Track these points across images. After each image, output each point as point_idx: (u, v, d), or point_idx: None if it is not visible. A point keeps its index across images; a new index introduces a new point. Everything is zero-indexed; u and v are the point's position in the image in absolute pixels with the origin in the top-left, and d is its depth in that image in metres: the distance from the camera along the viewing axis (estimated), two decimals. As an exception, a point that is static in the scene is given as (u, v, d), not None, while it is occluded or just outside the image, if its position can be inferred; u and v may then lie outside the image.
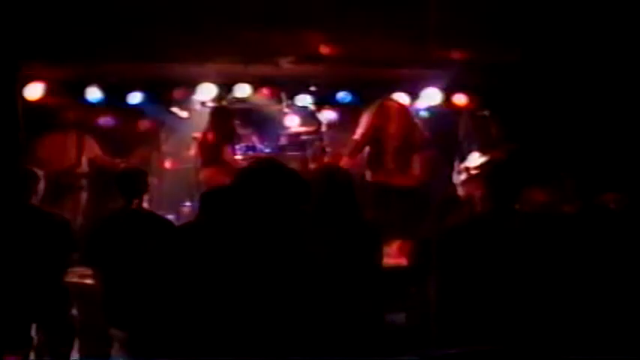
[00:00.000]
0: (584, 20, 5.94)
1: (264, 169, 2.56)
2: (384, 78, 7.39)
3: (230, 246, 2.72)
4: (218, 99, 7.41)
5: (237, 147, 6.86)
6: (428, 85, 7.47)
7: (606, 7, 5.81)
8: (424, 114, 7.75)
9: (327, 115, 7.50)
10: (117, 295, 4.18)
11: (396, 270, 5.10)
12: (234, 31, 6.10)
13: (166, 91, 7.31)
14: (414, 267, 4.30)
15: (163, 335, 3.66)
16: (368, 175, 6.60)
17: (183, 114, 7.42)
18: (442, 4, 5.64)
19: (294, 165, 6.88)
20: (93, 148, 6.60)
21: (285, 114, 7.51)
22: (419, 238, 4.19)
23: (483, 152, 6.58)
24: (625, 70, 6.31)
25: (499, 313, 3.60)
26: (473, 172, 6.57)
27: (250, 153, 6.83)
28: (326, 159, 6.86)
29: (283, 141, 7.23)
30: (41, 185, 4.41)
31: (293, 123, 7.55)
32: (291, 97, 7.49)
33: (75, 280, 4.83)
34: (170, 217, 6.14)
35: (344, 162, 6.40)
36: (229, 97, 7.42)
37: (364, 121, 6.65)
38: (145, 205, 4.51)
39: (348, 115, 7.56)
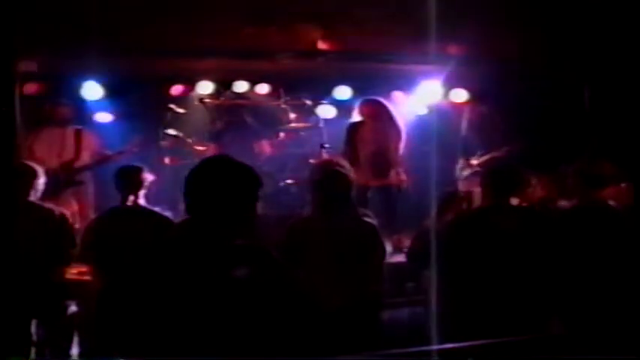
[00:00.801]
0: (584, 14, 5.94)
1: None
2: (383, 73, 7.39)
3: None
4: (216, 95, 7.41)
5: None
6: (427, 80, 7.46)
7: (606, 3, 5.81)
8: (423, 110, 7.75)
9: (325, 111, 7.50)
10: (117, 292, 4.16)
11: (391, 266, 5.11)
12: (232, 27, 6.09)
13: (164, 87, 7.30)
14: (412, 261, 4.31)
15: (161, 333, 3.66)
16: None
17: (181, 110, 7.41)
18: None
19: (292, 162, 6.91)
20: (92, 143, 6.58)
21: (284, 110, 7.51)
22: (417, 233, 4.19)
23: (487, 148, 6.57)
24: (625, 63, 6.31)
25: (497, 306, 3.61)
26: (476, 168, 6.57)
27: None
28: (324, 155, 6.84)
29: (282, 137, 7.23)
30: (41, 181, 4.40)
31: (291, 118, 7.55)
32: (289, 93, 7.49)
33: (74, 276, 4.82)
34: (168, 213, 6.14)
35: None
36: (227, 93, 7.42)
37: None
38: (142, 201, 4.48)
39: (347, 110, 7.55)
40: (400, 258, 5.58)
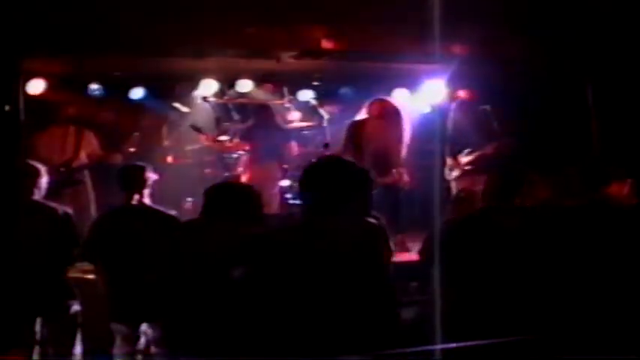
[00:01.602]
0: (586, 13, 5.93)
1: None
2: (386, 73, 7.38)
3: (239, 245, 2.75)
4: (220, 94, 7.42)
5: None
6: (430, 79, 7.46)
7: (608, 2, 5.80)
8: (427, 110, 7.74)
9: (329, 110, 7.50)
10: (121, 291, 4.18)
11: (396, 265, 5.10)
12: (235, 26, 6.09)
13: (168, 86, 7.31)
14: (420, 262, 4.29)
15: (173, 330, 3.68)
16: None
17: (185, 109, 7.42)
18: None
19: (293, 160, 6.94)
20: (91, 143, 6.60)
21: (287, 109, 7.52)
22: (429, 233, 4.18)
23: (477, 147, 6.53)
24: (628, 62, 6.30)
25: (502, 308, 3.60)
26: (465, 167, 6.54)
27: None
28: (327, 154, 6.85)
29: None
30: (44, 180, 4.41)
31: (294, 118, 7.56)
32: (292, 92, 7.50)
33: (77, 274, 4.83)
34: (172, 212, 6.15)
35: None
36: (231, 92, 7.44)
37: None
38: (147, 200, 4.49)
39: (350, 110, 7.55)
40: (404, 258, 5.59)
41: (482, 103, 6.94)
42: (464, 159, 6.58)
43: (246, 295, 2.53)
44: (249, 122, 7.15)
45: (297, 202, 5.88)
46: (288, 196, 6.70)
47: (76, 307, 4.26)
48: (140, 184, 4.44)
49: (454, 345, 2.88)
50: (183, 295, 3.67)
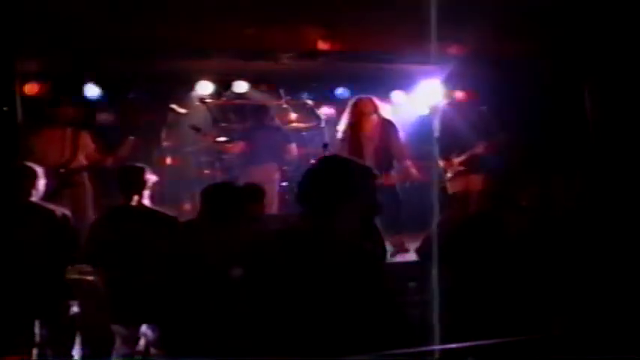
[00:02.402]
0: (584, 13, 5.95)
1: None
2: (383, 73, 7.39)
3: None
4: (217, 95, 7.43)
5: None
6: (427, 80, 7.47)
7: (606, 2, 5.82)
8: (424, 111, 7.76)
9: (327, 111, 7.51)
10: (120, 292, 4.18)
11: (393, 266, 5.13)
12: (233, 28, 6.10)
13: (165, 87, 7.31)
14: (422, 260, 4.31)
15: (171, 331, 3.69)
16: None
17: (183, 110, 7.42)
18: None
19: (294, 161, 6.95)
20: (88, 143, 6.59)
21: (284, 110, 7.53)
22: (428, 233, 4.20)
23: (467, 147, 6.52)
24: (625, 63, 6.31)
25: (498, 308, 3.62)
26: (458, 168, 6.55)
27: None
28: (325, 154, 6.86)
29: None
30: (41, 181, 4.40)
31: (292, 119, 7.58)
32: (290, 93, 7.50)
33: (76, 276, 4.83)
34: (171, 213, 6.15)
35: None
36: (228, 93, 7.44)
37: (342, 120, 6.58)
38: (147, 201, 4.49)
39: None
40: (402, 258, 5.60)
41: (478, 104, 6.96)
42: (456, 160, 6.59)
43: (244, 296, 2.54)
44: (248, 123, 7.15)
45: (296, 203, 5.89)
46: (287, 197, 6.72)
47: (74, 309, 4.26)
48: (139, 185, 4.44)
49: (452, 345, 2.89)
50: (182, 296, 3.68)
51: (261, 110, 7.10)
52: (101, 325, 4.29)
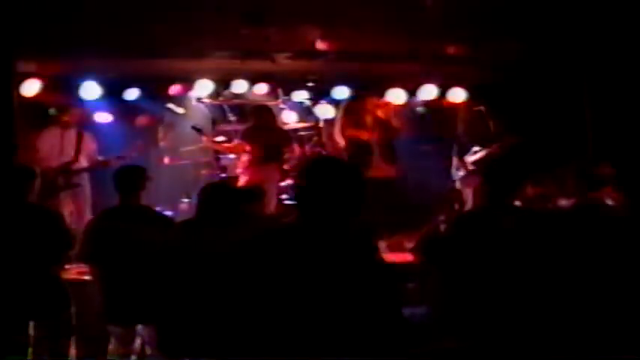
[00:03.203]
0: (582, 14, 5.94)
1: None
2: (381, 73, 7.39)
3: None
4: (215, 95, 7.42)
5: None
6: (424, 80, 7.47)
7: (605, 3, 5.81)
8: (421, 109, 7.76)
9: (324, 111, 7.51)
10: (116, 292, 4.17)
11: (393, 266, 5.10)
12: (230, 27, 6.09)
13: (163, 87, 7.31)
14: (416, 259, 4.30)
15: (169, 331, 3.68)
16: None
17: (180, 110, 7.42)
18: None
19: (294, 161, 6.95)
20: (91, 146, 6.59)
21: (282, 109, 7.53)
22: (423, 232, 4.19)
23: (481, 147, 6.57)
24: (624, 65, 6.31)
25: (497, 308, 3.61)
26: (470, 167, 6.58)
27: None
28: (323, 154, 6.87)
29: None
30: (38, 182, 4.40)
31: (290, 118, 7.57)
32: (288, 93, 7.50)
33: (72, 276, 4.82)
34: (168, 213, 6.15)
35: None
36: (225, 92, 7.44)
37: (337, 119, 6.60)
38: (143, 201, 4.48)
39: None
40: (401, 258, 5.58)
41: (477, 104, 6.97)
42: (470, 159, 6.61)
43: (241, 296, 2.53)
44: (249, 123, 7.15)
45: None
46: (287, 196, 6.72)
47: (71, 309, 4.25)
48: (137, 185, 4.43)
49: (451, 345, 2.88)
50: (178, 295, 3.67)
51: (261, 110, 7.10)
52: (97, 324, 4.28)
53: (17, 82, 6.32)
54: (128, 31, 5.91)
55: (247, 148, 6.83)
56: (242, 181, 6.72)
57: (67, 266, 4.54)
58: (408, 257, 5.47)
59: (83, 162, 6.46)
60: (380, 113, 6.71)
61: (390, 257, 5.11)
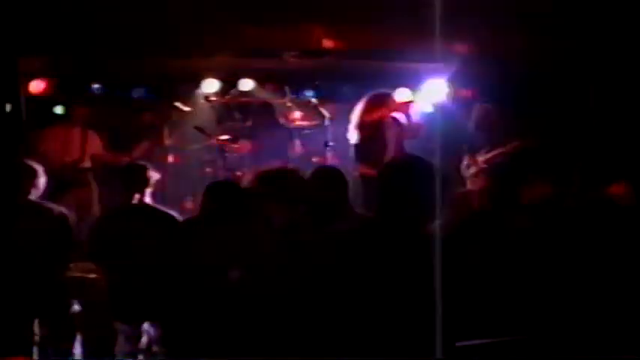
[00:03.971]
0: (589, 13, 5.91)
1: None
2: (388, 72, 7.37)
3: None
4: (221, 93, 7.42)
5: None
6: (432, 78, 7.44)
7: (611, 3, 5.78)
8: (429, 108, 7.73)
9: (331, 110, 7.49)
10: (122, 290, 4.18)
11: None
12: (237, 26, 6.08)
13: (170, 86, 7.31)
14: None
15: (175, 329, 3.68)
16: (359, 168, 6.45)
17: (187, 108, 7.42)
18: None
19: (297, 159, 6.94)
20: (95, 144, 6.60)
21: (289, 108, 7.51)
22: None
23: (493, 146, 6.54)
24: (631, 61, 6.27)
25: (502, 308, 3.59)
26: (482, 165, 6.55)
27: None
28: (329, 154, 6.85)
29: None
30: (42, 180, 4.40)
31: (296, 117, 7.55)
32: (294, 91, 7.49)
33: (78, 274, 4.82)
34: (172, 211, 6.14)
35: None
36: (233, 91, 7.43)
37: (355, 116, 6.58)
38: (148, 199, 4.49)
39: (352, 109, 7.54)
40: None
41: (483, 102, 6.93)
42: (481, 158, 6.59)
43: (245, 295, 2.52)
44: (252, 121, 7.15)
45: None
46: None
47: (74, 307, 4.25)
48: (143, 183, 4.44)
49: (457, 344, 2.87)
50: (184, 293, 3.67)
51: (264, 108, 7.10)
52: (103, 322, 4.28)
53: (24, 81, 6.33)
54: (134, 29, 5.91)
55: (250, 146, 6.83)
56: (246, 179, 6.72)
57: (72, 264, 4.55)
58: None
59: (88, 160, 6.48)
60: (401, 111, 6.70)
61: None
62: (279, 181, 3.72)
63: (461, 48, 6.79)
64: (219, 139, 7.02)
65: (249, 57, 6.93)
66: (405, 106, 6.73)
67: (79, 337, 4.27)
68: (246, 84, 7.42)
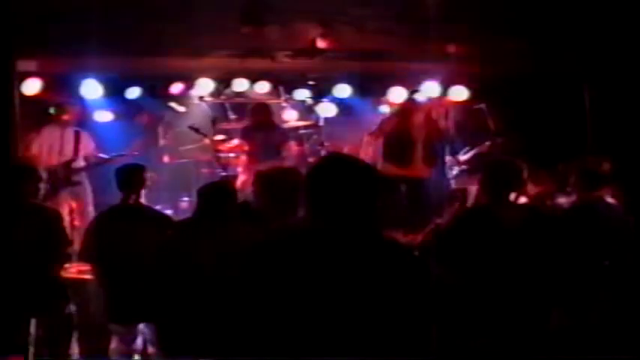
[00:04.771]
0: (583, 11, 5.94)
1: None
2: (382, 72, 7.38)
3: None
4: (216, 93, 7.41)
5: None
6: (426, 78, 7.46)
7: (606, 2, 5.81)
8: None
9: (325, 109, 7.50)
10: (117, 291, 4.17)
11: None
12: (231, 26, 6.09)
13: (164, 86, 7.31)
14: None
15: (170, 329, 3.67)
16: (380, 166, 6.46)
17: (181, 108, 7.41)
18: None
19: (292, 159, 6.94)
20: (90, 144, 6.60)
21: (283, 108, 7.52)
22: (428, 229, 4.19)
23: (473, 145, 6.57)
24: (624, 62, 6.30)
25: (497, 305, 3.61)
26: (463, 165, 6.58)
27: None
28: (323, 153, 6.85)
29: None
30: (36, 180, 4.38)
31: (291, 117, 7.56)
32: (288, 92, 7.49)
33: (73, 275, 4.82)
34: (168, 212, 6.15)
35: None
36: (227, 91, 7.43)
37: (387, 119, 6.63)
38: (143, 200, 4.48)
39: (346, 109, 7.56)
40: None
41: (478, 102, 6.96)
42: (462, 157, 6.61)
43: (241, 295, 2.52)
44: (247, 121, 7.14)
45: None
46: None
47: (70, 307, 4.25)
48: (138, 184, 4.43)
49: (454, 343, 2.88)
50: (178, 294, 3.67)
51: (259, 108, 7.09)
52: (99, 323, 4.28)
53: (17, 81, 6.31)
54: (129, 30, 5.91)
55: (246, 146, 6.83)
56: (241, 179, 6.72)
57: (67, 265, 4.54)
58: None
59: (82, 160, 6.47)
60: (433, 114, 6.72)
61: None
62: (278, 182, 3.71)
63: (455, 49, 6.81)
64: (213, 140, 7.02)
65: (244, 57, 6.93)
66: (438, 109, 6.79)
67: (75, 338, 4.27)
68: (241, 84, 7.42)
